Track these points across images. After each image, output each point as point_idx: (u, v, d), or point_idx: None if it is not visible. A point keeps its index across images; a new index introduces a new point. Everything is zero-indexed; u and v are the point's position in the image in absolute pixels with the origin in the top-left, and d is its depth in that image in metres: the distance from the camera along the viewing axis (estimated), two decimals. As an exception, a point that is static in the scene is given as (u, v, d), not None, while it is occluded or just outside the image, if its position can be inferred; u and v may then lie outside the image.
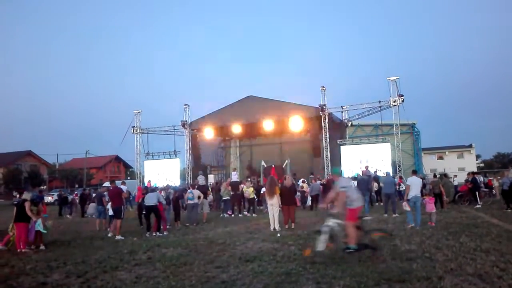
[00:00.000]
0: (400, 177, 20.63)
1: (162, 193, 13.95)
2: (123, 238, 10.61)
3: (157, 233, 11.29)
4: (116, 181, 12.82)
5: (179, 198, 14.73)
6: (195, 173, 25.07)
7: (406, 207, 10.76)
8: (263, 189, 17.19)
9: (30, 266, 7.36)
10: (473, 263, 5.99)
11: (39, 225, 9.64)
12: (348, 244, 6.53)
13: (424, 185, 18.13)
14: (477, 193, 16.03)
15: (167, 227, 12.53)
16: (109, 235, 11.26)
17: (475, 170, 40.50)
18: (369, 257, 6.67)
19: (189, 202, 13.70)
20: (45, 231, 9.92)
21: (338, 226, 6.63)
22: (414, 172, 12.45)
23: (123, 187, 16.17)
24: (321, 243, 6.48)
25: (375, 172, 20.00)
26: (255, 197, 17.09)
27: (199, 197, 13.93)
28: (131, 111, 34.57)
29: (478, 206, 15.32)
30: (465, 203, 16.18)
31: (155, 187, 18.41)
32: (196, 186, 15.71)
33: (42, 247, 9.47)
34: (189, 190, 14.34)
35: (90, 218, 18.16)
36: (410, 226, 10.31)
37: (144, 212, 12.55)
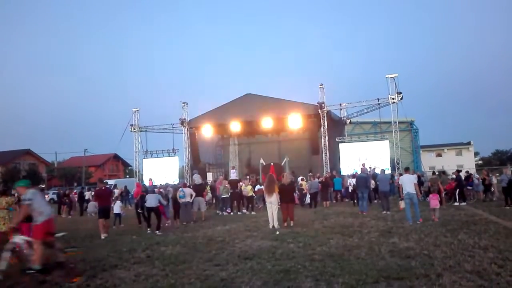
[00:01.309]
0: (400, 174, 20.66)
1: (161, 191, 13.97)
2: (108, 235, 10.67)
3: (158, 231, 11.30)
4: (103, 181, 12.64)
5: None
6: (194, 171, 25.09)
7: (401, 205, 10.84)
8: (257, 187, 17.23)
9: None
10: (471, 260, 6.01)
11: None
12: (32, 264, 5.81)
13: (422, 183, 18.18)
14: (460, 191, 16.07)
15: (166, 225, 12.53)
16: (102, 236, 10.80)
17: (473, 167, 40.69)
18: (367, 255, 6.69)
19: (181, 200, 13.67)
20: None
21: (26, 243, 6.08)
22: (406, 170, 12.51)
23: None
24: (3, 262, 5.90)
25: (374, 169, 20.02)
26: (254, 195, 17.11)
27: (191, 195, 13.89)
28: (129, 109, 34.46)
29: (456, 203, 15.36)
30: (450, 200, 16.29)
31: (154, 186, 18.39)
32: (188, 184, 15.70)
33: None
34: (180, 189, 14.31)
35: (89, 216, 18.22)
36: (410, 223, 10.32)
37: (142, 211, 12.59)
